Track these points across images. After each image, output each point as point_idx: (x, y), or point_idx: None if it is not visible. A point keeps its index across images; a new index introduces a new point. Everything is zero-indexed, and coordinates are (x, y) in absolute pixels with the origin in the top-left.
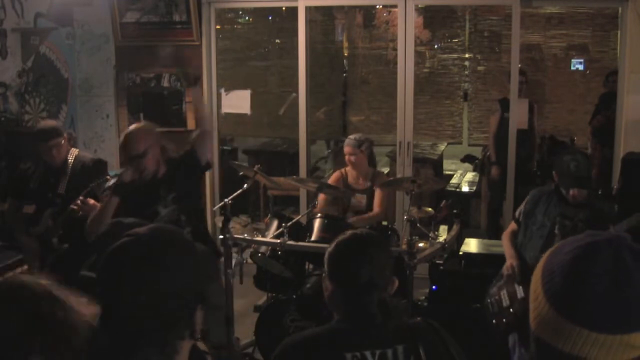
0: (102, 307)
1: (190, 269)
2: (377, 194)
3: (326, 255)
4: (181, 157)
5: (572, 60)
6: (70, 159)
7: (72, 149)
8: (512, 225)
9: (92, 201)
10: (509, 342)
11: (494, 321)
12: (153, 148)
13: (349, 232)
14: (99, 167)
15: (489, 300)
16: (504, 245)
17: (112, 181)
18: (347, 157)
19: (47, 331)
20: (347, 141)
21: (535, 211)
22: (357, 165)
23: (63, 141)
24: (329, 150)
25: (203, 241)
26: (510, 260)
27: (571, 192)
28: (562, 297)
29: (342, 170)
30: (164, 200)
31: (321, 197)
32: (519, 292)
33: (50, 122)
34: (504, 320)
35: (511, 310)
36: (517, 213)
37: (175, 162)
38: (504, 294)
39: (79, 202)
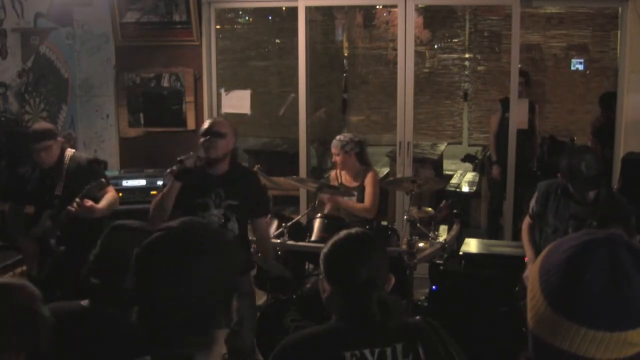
0: (140, 302)
1: (226, 260)
2: (366, 189)
3: (322, 257)
4: (252, 183)
5: (572, 60)
6: (67, 160)
7: (69, 149)
8: (528, 220)
9: (89, 202)
10: None
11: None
12: (230, 139)
13: (343, 232)
14: (94, 166)
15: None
16: (524, 244)
17: (175, 166)
18: (333, 158)
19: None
20: (333, 142)
21: (546, 212)
22: (344, 165)
23: (53, 145)
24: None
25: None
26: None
27: (589, 195)
28: (558, 295)
29: (337, 169)
30: (218, 199)
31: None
32: None
33: (43, 125)
34: None
35: None
36: (530, 208)
37: (241, 171)
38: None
39: (75, 204)
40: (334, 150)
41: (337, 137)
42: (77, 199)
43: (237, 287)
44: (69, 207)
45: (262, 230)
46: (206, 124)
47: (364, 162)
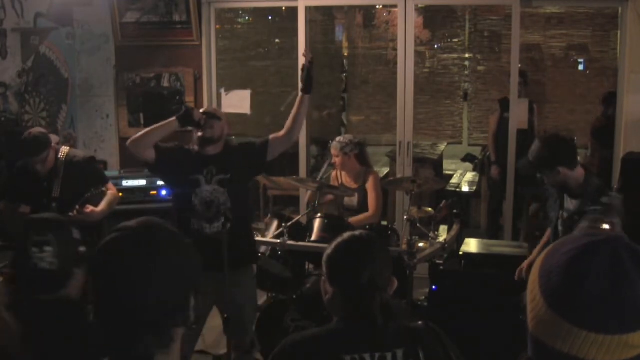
0: (99, 301)
1: (184, 259)
2: (369, 194)
3: (325, 258)
4: (242, 145)
5: (574, 60)
6: (61, 159)
7: (63, 147)
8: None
9: (89, 208)
10: None
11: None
12: (224, 123)
13: (346, 234)
14: (90, 163)
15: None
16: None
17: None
18: (333, 159)
19: None
20: (332, 144)
21: (550, 210)
22: (344, 167)
23: (50, 154)
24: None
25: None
26: (522, 265)
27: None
28: (559, 297)
29: (338, 170)
30: (210, 175)
31: (328, 197)
32: None
33: (36, 133)
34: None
35: None
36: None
37: (233, 148)
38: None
39: (75, 211)
40: (333, 151)
41: (337, 139)
42: (77, 206)
43: (195, 286)
44: (69, 214)
45: (277, 136)
46: (201, 110)
47: (364, 163)
